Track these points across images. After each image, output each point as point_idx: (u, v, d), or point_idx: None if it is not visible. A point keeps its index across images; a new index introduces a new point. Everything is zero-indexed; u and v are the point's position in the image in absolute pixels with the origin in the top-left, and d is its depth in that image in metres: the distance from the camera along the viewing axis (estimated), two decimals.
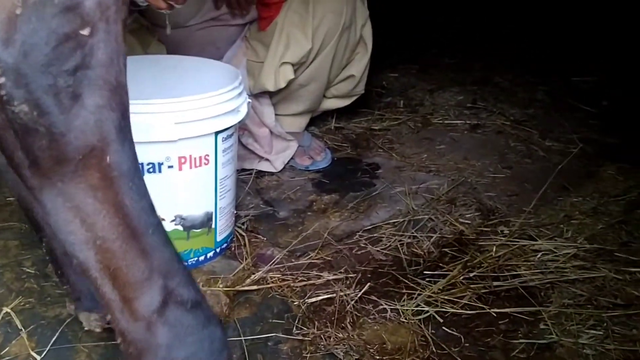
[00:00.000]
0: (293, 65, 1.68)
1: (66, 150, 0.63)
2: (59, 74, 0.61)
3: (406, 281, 1.38)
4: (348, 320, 1.25)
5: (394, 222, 1.60)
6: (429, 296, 1.32)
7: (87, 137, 0.64)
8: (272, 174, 1.84)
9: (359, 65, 1.84)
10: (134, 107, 1.19)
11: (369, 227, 1.58)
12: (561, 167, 1.80)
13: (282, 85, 1.70)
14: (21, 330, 1.18)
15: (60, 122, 0.62)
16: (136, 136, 1.19)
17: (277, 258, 1.43)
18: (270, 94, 1.79)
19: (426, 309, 1.29)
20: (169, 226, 1.33)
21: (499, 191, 1.78)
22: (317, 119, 2.13)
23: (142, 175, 0.73)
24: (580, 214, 1.66)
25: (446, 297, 1.32)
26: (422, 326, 1.25)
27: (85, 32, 0.61)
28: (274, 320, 1.25)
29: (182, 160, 1.28)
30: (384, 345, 1.20)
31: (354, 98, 1.96)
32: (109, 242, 0.69)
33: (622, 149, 2.01)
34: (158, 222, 0.75)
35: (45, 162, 0.63)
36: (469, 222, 1.61)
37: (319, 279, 1.37)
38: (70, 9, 0.60)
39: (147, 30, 1.67)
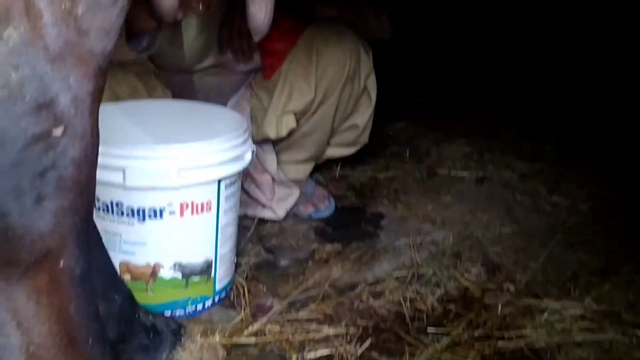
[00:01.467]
0: (296, 114, 1.68)
1: (19, 253, 0.58)
2: (25, 176, 0.55)
3: (409, 338, 1.34)
4: None
5: (398, 275, 1.57)
6: (432, 354, 1.28)
7: (44, 241, 0.59)
8: (274, 221, 1.82)
9: (363, 116, 1.83)
10: (138, 152, 1.19)
11: (372, 280, 1.55)
12: (568, 224, 1.78)
13: (284, 134, 1.70)
14: None
15: (18, 224, 0.57)
16: (139, 181, 1.19)
17: (276, 309, 1.40)
18: (274, 142, 1.78)
19: None
20: (167, 273, 1.30)
21: (505, 246, 1.75)
22: (322, 167, 2.11)
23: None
24: (588, 272, 1.63)
25: (450, 356, 1.28)
26: None
27: (58, 131, 0.56)
28: None
29: (184, 206, 1.26)
30: None
31: (358, 147, 1.94)
32: (43, 350, 0.63)
33: (631, 207, 1.98)
34: (101, 330, 0.70)
35: None
36: (474, 277, 1.58)
37: (319, 332, 1.33)
38: (43, 106, 0.55)
39: (153, 75, 1.68)
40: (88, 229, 0.64)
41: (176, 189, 1.23)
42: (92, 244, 0.74)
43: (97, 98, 0.60)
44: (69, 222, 0.60)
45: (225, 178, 1.30)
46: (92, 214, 0.64)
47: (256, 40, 1.00)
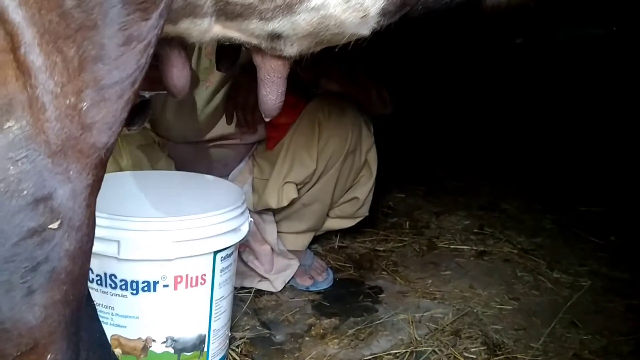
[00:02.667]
0: (297, 184, 1.69)
1: (5, 346, 0.56)
2: (17, 271, 0.54)
3: None
4: None
5: (396, 353, 1.53)
6: None
7: (32, 334, 0.57)
8: (271, 293, 1.79)
9: (364, 189, 1.85)
10: (133, 224, 1.18)
11: (369, 357, 1.51)
12: (570, 302, 1.75)
13: (285, 203, 1.71)
14: None
15: (6, 318, 0.55)
16: (133, 254, 1.18)
17: None
18: (274, 212, 1.78)
19: None
20: (159, 348, 1.27)
21: (505, 324, 1.71)
22: (321, 237, 2.10)
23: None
24: (590, 353, 1.59)
25: None
26: None
27: (54, 225, 0.55)
28: None
29: (178, 279, 1.24)
30: None
31: (358, 220, 1.95)
32: None
33: (632, 285, 1.95)
34: None
35: None
36: (474, 357, 1.54)
37: None
38: (40, 201, 0.54)
39: (157, 146, 1.69)
40: (78, 321, 0.61)
41: (170, 261, 1.21)
42: (86, 320, 0.71)
43: (95, 190, 0.58)
44: (59, 315, 0.58)
45: (220, 250, 1.28)
46: (83, 304, 0.62)
47: (266, 120, 1.01)
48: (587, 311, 1.79)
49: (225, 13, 0.74)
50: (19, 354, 0.57)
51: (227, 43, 0.82)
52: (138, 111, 1.36)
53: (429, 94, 3.40)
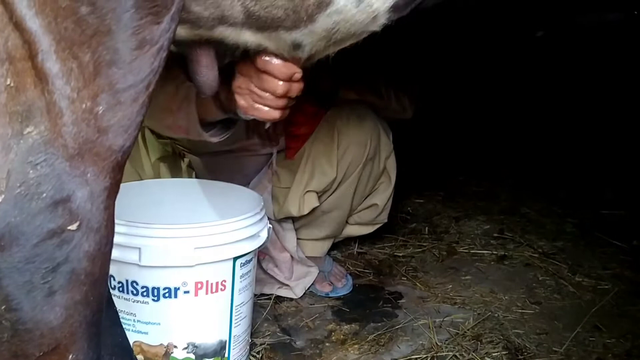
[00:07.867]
0: (317, 192, 1.69)
1: (27, 347, 0.57)
2: (37, 271, 0.55)
3: None
4: None
5: (416, 358, 1.52)
6: None
7: (53, 334, 0.58)
8: (291, 299, 1.80)
9: (383, 195, 1.85)
10: (154, 231, 1.19)
11: None
12: (593, 305, 1.73)
13: (306, 211, 1.71)
14: None
15: (28, 318, 0.56)
16: (154, 260, 1.19)
17: None
18: (293, 219, 1.79)
19: None
20: (180, 354, 1.28)
21: (527, 328, 1.69)
22: (340, 244, 2.10)
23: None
24: (614, 356, 1.57)
25: None
26: None
27: (73, 227, 0.56)
28: None
29: (199, 285, 1.25)
30: None
31: (377, 226, 1.95)
32: None
33: None
34: None
35: (0, 355, 0.57)
36: None
37: None
38: (59, 203, 0.55)
39: (178, 157, 1.70)
40: (98, 321, 0.62)
41: (191, 267, 1.22)
42: (109, 325, 0.72)
43: (113, 192, 0.59)
44: (79, 316, 0.59)
45: (240, 256, 1.29)
46: (103, 305, 0.63)
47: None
48: (610, 315, 1.77)
49: (255, 24, 0.79)
50: (41, 354, 0.58)
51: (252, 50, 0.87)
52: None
53: (447, 98, 3.38)
